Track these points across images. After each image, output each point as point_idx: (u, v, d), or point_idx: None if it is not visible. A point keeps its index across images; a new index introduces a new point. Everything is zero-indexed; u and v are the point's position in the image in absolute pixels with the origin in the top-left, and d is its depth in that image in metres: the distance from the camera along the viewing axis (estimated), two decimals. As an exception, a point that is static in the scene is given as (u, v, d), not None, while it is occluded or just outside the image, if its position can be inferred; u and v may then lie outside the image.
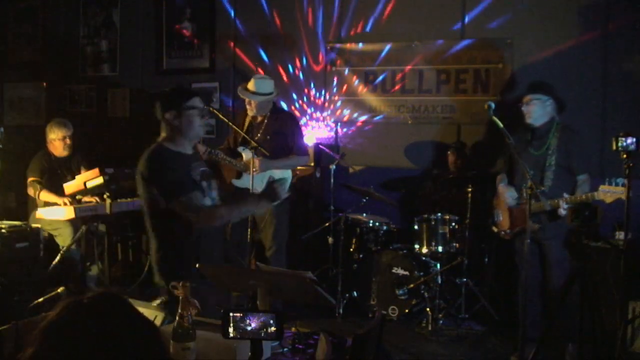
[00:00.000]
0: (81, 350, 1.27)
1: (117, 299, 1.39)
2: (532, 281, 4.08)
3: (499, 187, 4.38)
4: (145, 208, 3.03)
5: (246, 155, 4.74)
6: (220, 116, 4.78)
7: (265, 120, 4.91)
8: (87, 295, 1.36)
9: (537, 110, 4.11)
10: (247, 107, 4.87)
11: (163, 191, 2.90)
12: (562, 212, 3.87)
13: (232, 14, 6.50)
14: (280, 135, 4.87)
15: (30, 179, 5.30)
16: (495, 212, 4.40)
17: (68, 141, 5.37)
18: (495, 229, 4.41)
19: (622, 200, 3.57)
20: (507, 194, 4.26)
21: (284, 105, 6.15)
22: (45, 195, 5.17)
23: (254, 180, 4.55)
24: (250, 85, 4.85)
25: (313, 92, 6.21)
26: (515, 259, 4.31)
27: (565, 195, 3.89)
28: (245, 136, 4.77)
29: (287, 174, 4.83)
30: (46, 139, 5.43)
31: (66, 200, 4.96)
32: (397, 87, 5.85)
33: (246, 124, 4.95)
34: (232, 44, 6.52)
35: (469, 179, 4.94)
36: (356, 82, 6.00)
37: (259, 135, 4.86)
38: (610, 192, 3.65)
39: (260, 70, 6.24)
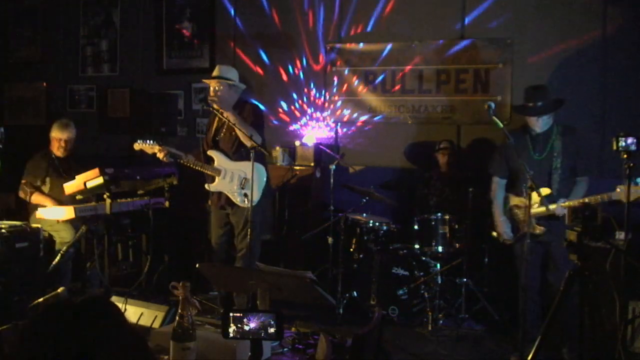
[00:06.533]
0: (59, 351, 1.25)
1: (106, 304, 1.37)
2: (532, 281, 4.08)
3: (498, 219, 4.32)
4: None
5: (217, 158, 4.68)
6: (220, 116, 4.77)
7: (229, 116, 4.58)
8: (80, 298, 1.35)
9: (544, 120, 4.12)
10: (211, 98, 4.57)
11: None
12: (559, 212, 3.88)
13: (232, 14, 6.49)
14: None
15: (22, 181, 5.31)
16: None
17: (64, 144, 5.37)
18: (495, 234, 4.41)
19: None
20: (504, 229, 4.28)
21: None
22: (37, 198, 5.19)
23: (228, 182, 4.62)
24: (215, 71, 4.74)
25: (313, 92, 6.20)
26: (515, 263, 4.31)
27: (580, 199, 3.86)
28: (245, 132, 4.70)
29: (262, 173, 4.64)
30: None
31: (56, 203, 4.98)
32: (397, 87, 5.85)
33: (215, 124, 4.82)
34: (232, 44, 6.51)
35: (463, 179, 4.95)
36: (356, 82, 5.99)
37: (223, 132, 4.73)
38: (632, 192, 3.63)
39: (260, 70, 6.28)
